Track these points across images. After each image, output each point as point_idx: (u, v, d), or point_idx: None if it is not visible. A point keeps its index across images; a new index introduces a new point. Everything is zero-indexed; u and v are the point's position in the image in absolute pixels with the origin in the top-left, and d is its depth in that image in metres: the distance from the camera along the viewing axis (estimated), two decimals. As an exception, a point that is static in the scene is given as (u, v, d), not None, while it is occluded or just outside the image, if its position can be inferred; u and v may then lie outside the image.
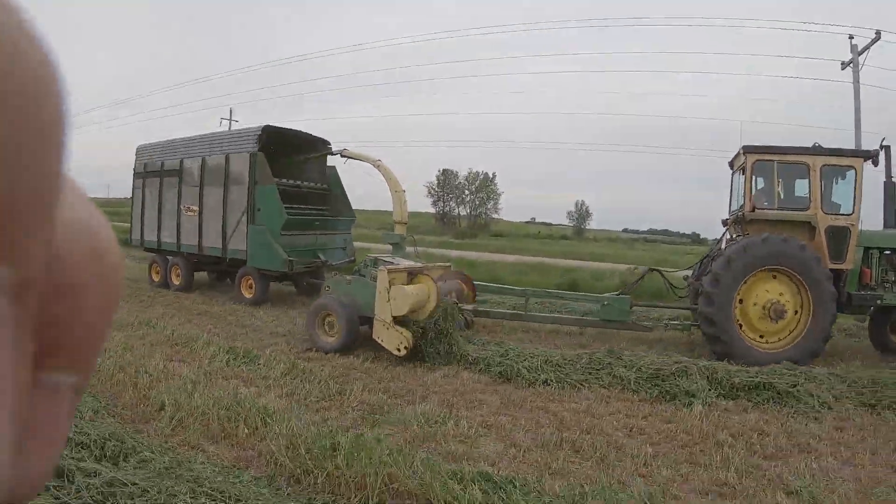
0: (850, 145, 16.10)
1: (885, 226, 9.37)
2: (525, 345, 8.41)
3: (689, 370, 6.72)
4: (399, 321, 7.48)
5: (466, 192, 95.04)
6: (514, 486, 3.66)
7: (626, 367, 6.95)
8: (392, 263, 8.51)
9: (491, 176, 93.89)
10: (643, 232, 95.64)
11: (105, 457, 3.66)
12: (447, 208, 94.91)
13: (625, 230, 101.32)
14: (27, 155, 0.21)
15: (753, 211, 8.64)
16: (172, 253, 13.06)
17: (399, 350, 7.39)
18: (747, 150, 8.84)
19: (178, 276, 12.78)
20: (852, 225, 8.46)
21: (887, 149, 9.17)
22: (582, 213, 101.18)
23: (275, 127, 12.00)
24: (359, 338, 7.91)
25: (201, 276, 13.71)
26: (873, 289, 8.80)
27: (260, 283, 11.42)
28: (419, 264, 8.98)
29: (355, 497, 3.58)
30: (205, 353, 7.24)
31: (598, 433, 5.25)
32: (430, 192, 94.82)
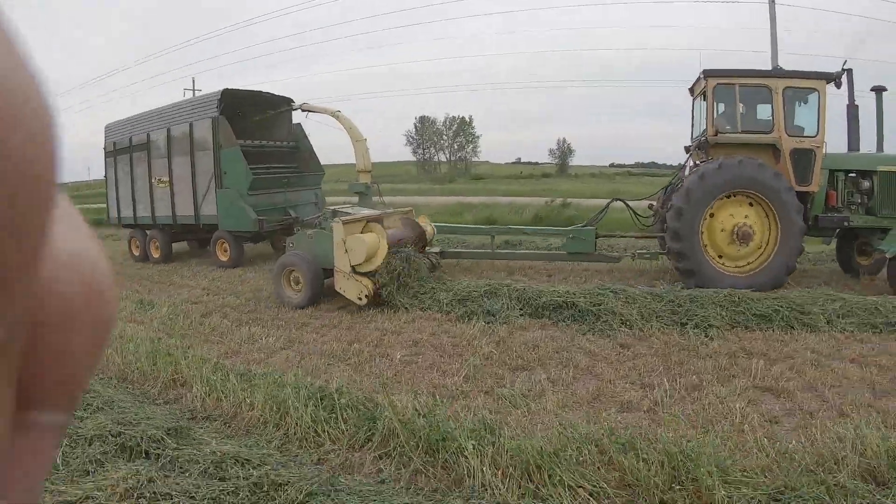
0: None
1: (850, 149, 9.14)
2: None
3: (498, 291, 6.96)
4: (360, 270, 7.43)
5: (444, 137, 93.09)
6: (263, 378, 4.44)
7: (445, 291, 7.27)
8: (349, 214, 8.29)
9: (468, 119, 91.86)
10: (629, 165, 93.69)
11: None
12: (427, 155, 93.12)
13: (611, 164, 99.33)
14: (15, 218, 0.20)
15: (716, 135, 8.29)
16: (149, 226, 12.87)
17: (360, 298, 7.32)
18: (708, 73, 8.50)
19: (156, 248, 12.60)
20: (817, 147, 8.20)
21: (849, 72, 8.80)
22: (564, 150, 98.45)
23: (234, 90, 11.65)
24: (324, 290, 7.84)
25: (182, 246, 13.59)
26: (839, 211, 8.62)
27: (234, 246, 11.24)
28: (378, 212, 8.76)
29: (150, 383, 4.89)
30: (121, 305, 7.96)
31: (377, 345, 5.94)
32: (408, 141, 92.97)
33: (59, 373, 0.24)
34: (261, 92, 12.36)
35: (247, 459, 3.16)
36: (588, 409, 4.22)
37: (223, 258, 11.26)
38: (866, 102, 9.21)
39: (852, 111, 9.01)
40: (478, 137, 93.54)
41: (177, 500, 2.78)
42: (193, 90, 36.13)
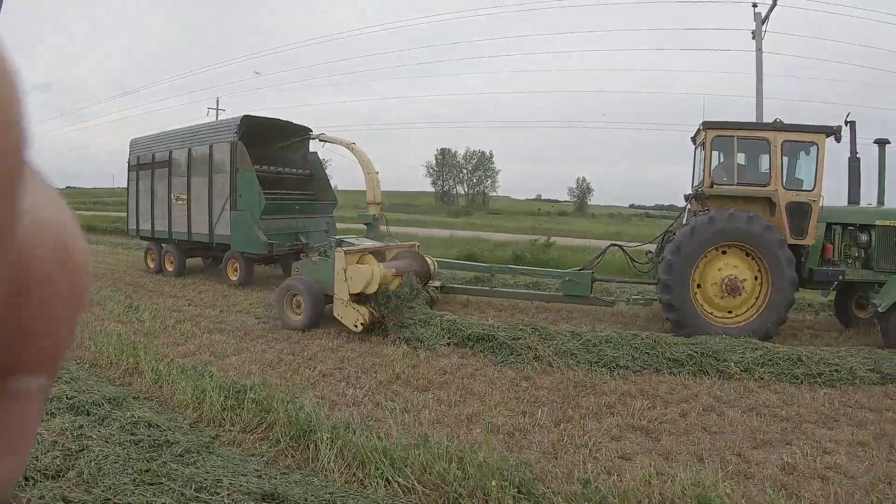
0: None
1: (850, 201, 9.12)
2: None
3: (431, 321, 7.41)
4: (357, 299, 7.71)
5: (464, 170, 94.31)
6: (195, 372, 5.32)
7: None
8: (353, 244, 8.59)
9: (488, 154, 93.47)
10: (649, 207, 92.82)
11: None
12: (446, 187, 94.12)
13: (631, 205, 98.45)
14: None
15: (712, 187, 8.38)
16: (165, 240, 13.45)
17: (356, 326, 7.57)
18: (707, 125, 8.64)
19: (171, 262, 13.16)
20: (813, 201, 8.21)
21: (852, 124, 8.92)
22: (583, 190, 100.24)
23: (254, 116, 12.29)
24: (323, 315, 8.13)
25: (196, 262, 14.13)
26: (836, 264, 8.59)
27: (244, 266, 11.70)
28: (380, 244, 9.07)
29: (114, 369, 5.81)
30: (111, 307, 9.06)
31: (310, 359, 6.74)
32: (428, 172, 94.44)
33: (40, 337, 0.24)
34: (279, 120, 13.00)
35: (157, 425, 4.15)
36: (456, 426, 4.66)
37: (233, 277, 11.74)
38: (871, 149, 9.17)
39: (854, 164, 9.01)
40: (497, 172, 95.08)
41: (95, 440, 3.68)
42: (217, 110, 37.59)
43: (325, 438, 3.85)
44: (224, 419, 4.46)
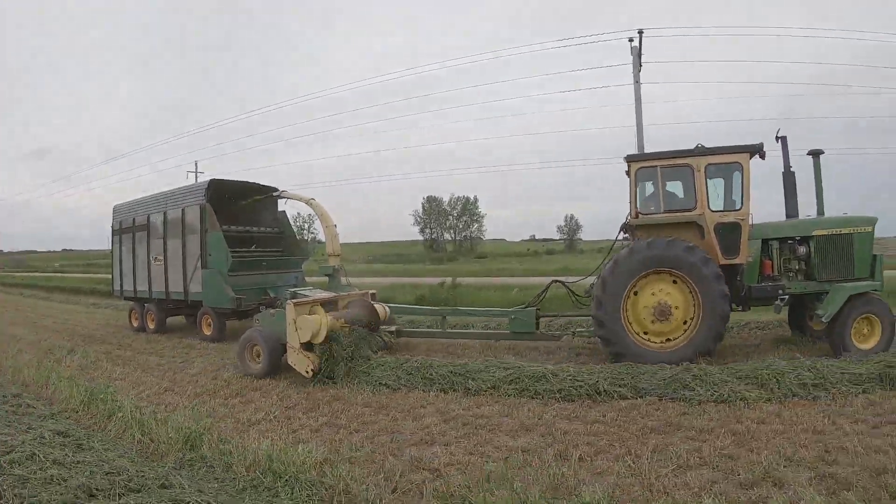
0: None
1: (788, 215, 9.19)
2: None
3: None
4: (308, 347, 8.15)
5: (450, 217, 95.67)
6: (75, 383, 7.58)
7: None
8: (306, 296, 9.18)
9: (473, 199, 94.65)
10: None
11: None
12: (434, 234, 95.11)
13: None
14: None
15: (637, 217, 8.66)
16: (146, 300, 14.29)
17: (307, 372, 8.02)
18: (630, 158, 8.97)
19: (152, 320, 13.94)
20: (741, 220, 8.38)
21: (783, 139, 9.05)
22: (571, 227, 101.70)
23: (220, 180, 13.26)
24: (281, 363, 8.61)
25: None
26: (776, 279, 8.71)
27: (216, 321, 12.39)
28: (331, 294, 9.59)
29: (34, 385, 8.14)
30: (56, 353, 10.98)
31: (173, 382, 8.56)
32: (416, 220, 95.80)
33: None
34: (247, 182, 13.93)
35: (32, 406, 6.85)
36: (218, 417, 6.41)
37: (207, 332, 12.47)
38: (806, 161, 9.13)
39: (788, 178, 9.13)
40: (482, 216, 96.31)
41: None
42: (196, 173, 39.12)
43: (119, 416, 6.05)
44: (80, 408, 6.72)
